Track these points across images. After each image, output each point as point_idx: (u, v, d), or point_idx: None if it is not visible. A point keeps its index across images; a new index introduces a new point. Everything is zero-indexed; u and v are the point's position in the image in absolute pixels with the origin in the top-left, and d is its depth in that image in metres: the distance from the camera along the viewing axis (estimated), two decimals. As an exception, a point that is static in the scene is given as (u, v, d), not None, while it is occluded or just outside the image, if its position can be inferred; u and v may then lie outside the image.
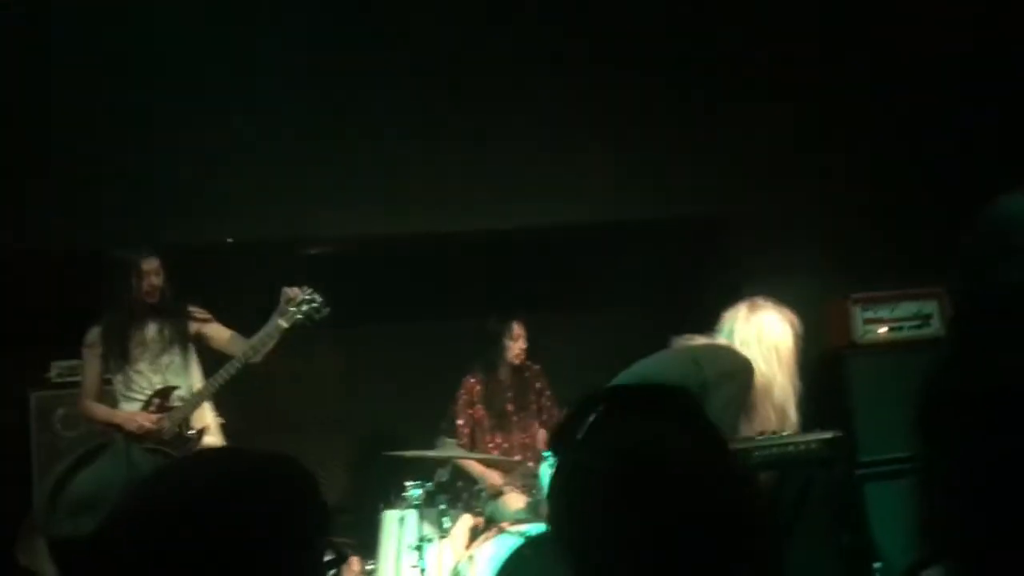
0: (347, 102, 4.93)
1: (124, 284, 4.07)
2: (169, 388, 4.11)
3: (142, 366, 4.12)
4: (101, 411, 4.15)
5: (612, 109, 5.15)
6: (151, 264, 4.10)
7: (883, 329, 4.95)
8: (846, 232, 5.15)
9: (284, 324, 4.03)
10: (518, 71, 5.12)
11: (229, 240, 4.99)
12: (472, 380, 4.90)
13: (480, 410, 4.87)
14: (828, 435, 3.38)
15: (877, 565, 4.54)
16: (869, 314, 4.95)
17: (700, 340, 3.48)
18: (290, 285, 5.27)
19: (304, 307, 4.06)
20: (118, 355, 4.10)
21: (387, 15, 4.80)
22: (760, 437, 3.17)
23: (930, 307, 4.96)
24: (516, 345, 4.84)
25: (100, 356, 4.14)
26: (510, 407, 4.90)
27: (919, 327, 4.95)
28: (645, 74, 5.12)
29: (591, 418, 1.17)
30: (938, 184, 5.24)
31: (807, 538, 3.68)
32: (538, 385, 4.98)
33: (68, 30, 4.36)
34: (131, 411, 4.07)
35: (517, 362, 4.88)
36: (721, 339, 3.42)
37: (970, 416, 1.20)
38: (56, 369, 4.92)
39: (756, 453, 3.10)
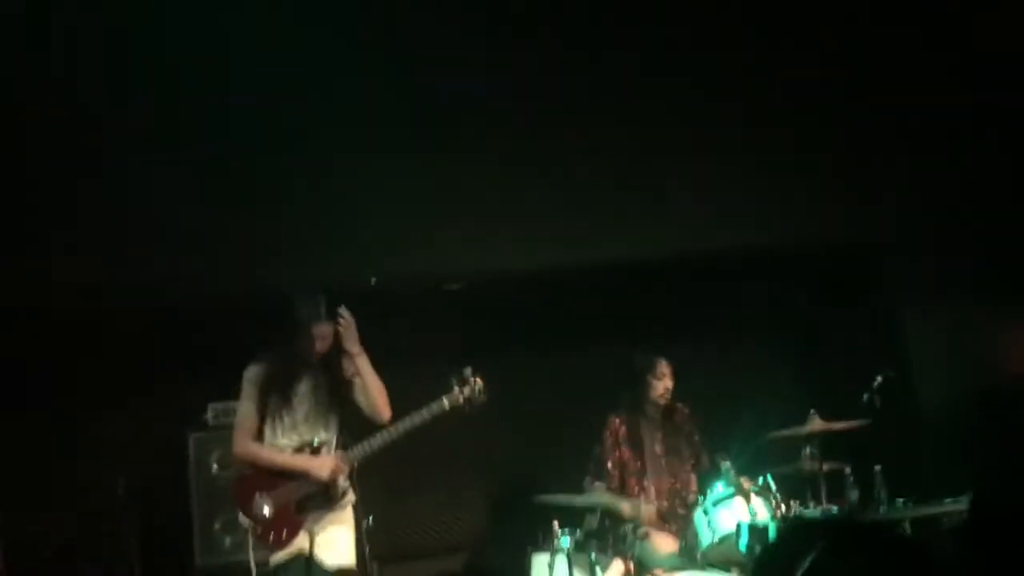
0: (479, 140, 4.92)
1: (297, 335, 3.99)
2: (321, 443, 4.02)
3: (297, 416, 4.03)
4: (272, 455, 3.99)
5: (758, 136, 4.94)
6: (322, 330, 4.02)
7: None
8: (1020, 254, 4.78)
9: (447, 405, 4.04)
10: (655, 100, 4.98)
11: (373, 280, 5.04)
12: (617, 420, 4.75)
13: (626, 451, 4.70)
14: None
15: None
16: (1048, 343, 4.58)
17: None
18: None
19: (467, 390, 4.06)
20: (278, 401, 4.02)
21: (505, 61, 4.73)
22: (948, 500, 2.93)
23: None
24: (661, 384, 4.67)
25: (260, 395, 4.04)
26: (659, 449, 4.72)
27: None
28: (794, 103, 4.90)
29: (809, 558, 1.09)
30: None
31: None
32: (688, 428, 4.79)
33: (213, 80, 4.47)
34: (311, 457, 3.95)
35: (662, 401, 4.70)
36: None
37: None
38: (212, 411, 5.06)
39: (945, 520, 2.87)
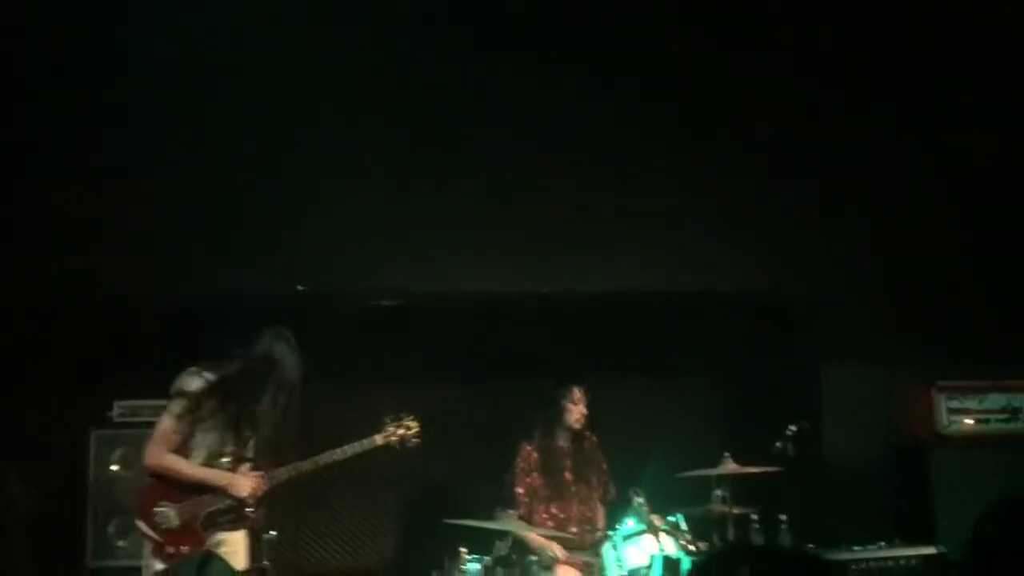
0: (423, 159, 4.91)
1: (258, 364, 3.80)
2: (238, 459, 3.82)
3: (228, 436, 3.82)
4: (189, 467, 3.76)
5: (687, 176, 5.05)
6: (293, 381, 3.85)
7: (969, 421, 4.73)
8: (932, 316, 4.96)
9: (380, 441, 4.00)
10: (598, 136, 5.06)
11: (300, 288, 4.96)
12: (529, 448, 4.77)
13: (537, 478, 4.72)
14: (930, 551, 3.19)
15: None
16: (955, 404, 4.75)
17: None
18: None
19: (401, 431, 4.03)
20: (217, 420, 3.78)
21: (462, 83, 4.75)
22: (857, 548, 3.00)
23: (1020, 400, 4.74)
24: (576, 409, 4.71)
25: (189, 411, 3.76)
26: (568, 476, 4.74)
27: (1008, 420, 4.73)
28: (727, 149, 5.02)
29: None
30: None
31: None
32: (597, 457, 4.82)
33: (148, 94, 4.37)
34: (231, 473, 3.77)
35: (577, 427, 4.74)
36: None
37: None
38: (118, 409, 4.89)
39: (853, 567, 2.93)
